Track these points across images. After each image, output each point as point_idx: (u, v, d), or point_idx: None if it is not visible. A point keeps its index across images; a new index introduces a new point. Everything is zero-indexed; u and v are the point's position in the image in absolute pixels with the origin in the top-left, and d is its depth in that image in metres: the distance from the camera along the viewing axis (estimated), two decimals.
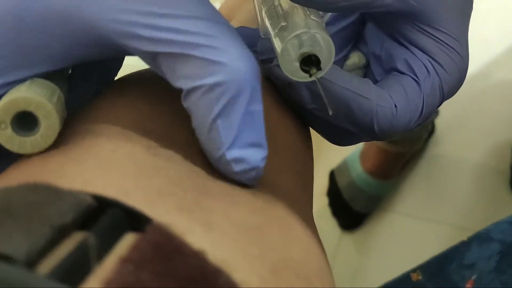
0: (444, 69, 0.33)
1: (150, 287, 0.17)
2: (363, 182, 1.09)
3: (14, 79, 0.25)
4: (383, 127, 0.33)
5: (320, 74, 0.30)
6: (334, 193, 1.12)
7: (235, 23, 0.44)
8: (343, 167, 1.12)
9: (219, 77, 0.24)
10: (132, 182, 0.23)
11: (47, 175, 0.23)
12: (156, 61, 0.25)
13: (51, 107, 0.24)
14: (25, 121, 0.25)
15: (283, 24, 0.31)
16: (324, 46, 0.30)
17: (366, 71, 0.38)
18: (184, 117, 0.27)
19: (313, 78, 0.30)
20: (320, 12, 0.33)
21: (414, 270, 0.58)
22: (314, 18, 0.31)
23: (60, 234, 0.19)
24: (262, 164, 0.26)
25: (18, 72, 0.25)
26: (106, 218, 0.20)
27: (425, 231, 1.08)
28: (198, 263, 0.19)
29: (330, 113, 0.30)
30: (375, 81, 0.36)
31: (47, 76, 0.26)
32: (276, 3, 0.32)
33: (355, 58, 0.37)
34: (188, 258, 0.19)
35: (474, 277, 0.50)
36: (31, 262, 0.17)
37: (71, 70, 0.30)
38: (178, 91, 0.27)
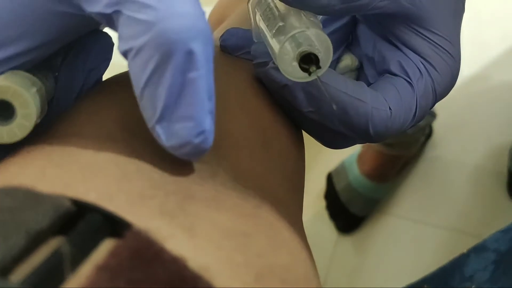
0: (437, 71, 0.33)
1: None
2: (360, 185, 1.08)
3: None
4: (378, 130, 0.33)
5: (319, 73, 0.30)
6: (331, 196, 1.12)
7: (228, 24, 0.44)
8: (341, 170, 1.11)
9: (145, 38, 0.22)
10: (115, 186, 0.22)
11: (27, 178, 0.23)
12: (109, 24, 0.23)
13: (27, 96, 0.24)
14: (2, 110, 0.24)
15: (280, 24, 0.30)
16: (322, 44, 0.30)
17: (358, 73, 0.38)
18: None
19: (312, 77, 0.30)
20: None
21: (422, 284, 0.58)
22: (311, 18, 0.31)
23: (35, 241, 0.18)
24: (197, 140, 0.23)
25: None
26: (85, 223, 0.20)
27: (422, 233, 1.08)
28: (177, 269, 0.19)
29: (334, 107, 0.30)
30: (368, 84, 0.35)
31: (31, 71, 0.26)
32: (272, 5, 0.32)
33: (348, 61, 0.37)
34: (167, 264, 0.19)
35: (473, 287, 0.50)
36: (4, 270, 0.17)
37: (57, 72, 0.30)
38: None
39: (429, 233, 1.07)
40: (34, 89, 0.25)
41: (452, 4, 0.33)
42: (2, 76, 0.25)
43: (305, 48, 0.29)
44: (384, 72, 0.35)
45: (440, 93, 0.34)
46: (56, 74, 0.29)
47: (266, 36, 0.32)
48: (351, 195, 1.09)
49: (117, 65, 0.33)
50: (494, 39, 1.19)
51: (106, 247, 0.19)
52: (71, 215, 0.20)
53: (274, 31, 0.30)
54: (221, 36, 0.38)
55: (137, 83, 0.23)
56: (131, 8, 0.22)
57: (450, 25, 0.33)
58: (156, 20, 0.21)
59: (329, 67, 0.36)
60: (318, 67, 0.29)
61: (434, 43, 0.33)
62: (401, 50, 0.34)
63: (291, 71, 0.30)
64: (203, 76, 0.23)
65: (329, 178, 1.13)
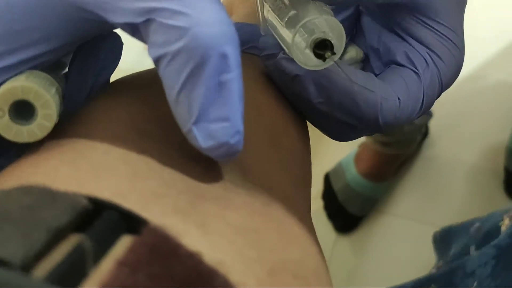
0: (442, 61, 0.34)
1: None
2: (358, 184, 1.09)
3: (8, 63, 0.25)
4: (388, 120, 0.33)
5: (335, 58, 0.29)
6: (329, 196, 1.12)
7: (235, 19, 0.44)
8: (338, 169, 1.12)
9: (180, 44, 0.22)
10: (127, 184, 0.23)
11: (42, 178, 0.23)
12: (134, 33, 0.24)
13: (49, 97, 0.24)
14: (22, 110, 0.25)
15: (292, 12, 0.30)
16: (335, 31, 0.30)
17: (364, 65, 0.38)
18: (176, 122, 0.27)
19: (327, 63, 0.30)
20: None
21: (429, 284, 0.58)
22: (323, 7, 0.31)
23: (56, 237, 0.19)
24: (233, 140, 0.24)
25: (12, 56, 0.25)
26: (102, 220, 0.20)
27: (420, 232, 1.08)
28: (194, 264, 0.19)
29: (350, 86, 0.31)
30: (374, 75, 0.36)
31: (45, 70, 0.26)
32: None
33: (353, 53, 0.37)
34: (184, 259, 0.19)
35: (475, 284, 0.51)
36: (27, 266, 0.17)
37: (67, 68, 0.30)
38: None
39: (427, 232, 1.08)
40: (53, 90, 0.25)
41: None
42: (23, 76, 0.25)
43: (318, 35, 0.29)
44: (390, 63, 0.35)
45: (446, 83, 0.35)
46: (66, 72, 0.30)
47: (276, 28, 0.32)
48: (348, 195, 1.10)
49: (122, 70, 0.34)
50: (490, 38, 1.20)
51: (124, 243, 0.20)
52: (88, 212, 0.20)
53: (286, 19, 0.30)
54: None
55: (172, 87, 0.23)
56: (164, 15, 0.22)
57: (454, 15, 0.34)
58: (190, 26, 0.22)
59: None
60: (333, 53, 0.29)
61: (439, 33, 0.33)
62: (406, 41, 0.34)
63: (305, 59, 0.30)
64: (236, 78, 0.23)
65: (327, 178, 1.13)
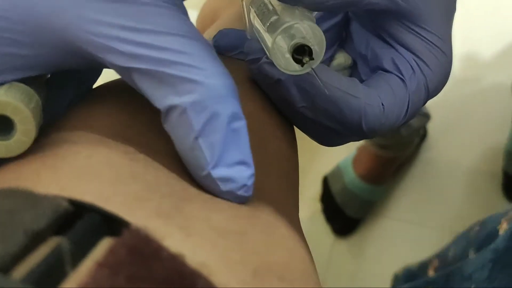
0: (429, 67, 0.34)
1: None
2: (356, 187, 1.08)
3: None
4: (372, 125, 0.33)
5: (313, 64, 0.30)
6: (327, 198, 1.12)
7: (220, 24, 0.44)
8: (336, 172, 1.12)
9: (196, 95, 0.24)
10: (110, 188, 0.23)
11: (22, 183, 0.23)
12: (132, 77, 0.25)
13: (28, 112, 0.24)
14: (1, 124, 0.24)
15: (274, 18, 0.30)
16: (315, 37, 0.30)
17: (352, 71, 0.38)
18: (161, 127, 0.27)
19: (305, 69, 0.30)
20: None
21: (426, 284, 0.58)
22: (305, 13, 0.31)
23: (35, 240, 0.18)
24: (249, 182, 0.26)
25: None
26: (83, 223, 0.20)
27: (418, 235, 1.08)
28: (176, 266, 0.19)
29: (327, 92, 0.31)
30: (362, 81, 0.36)
31: (26, 81, 0.26)
32: (267, 1, 0.32)
33: (341, 59, 0.37)
34: (165, 261, 0.19)
35: (472, 286, 0.51)
36: (5, 268, 0.17)
37: (49, 77, 0.30)
38: None
39: (425, 235, 1.08)
40: (33, 104, 0.25)
41: (443, 2, 0.34)
42: (2, 89, 0.25)
43: (298, 40, 0.29)
44: (377, 69, 0.35)
45: (433, 90, 0.35)
46: (48, 79, 0.30)
47: (259, 31, 0.32)
48: (347, 198, 1.09)
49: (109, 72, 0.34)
50: (486, 40, 1.20)
51: (105, 245, 0.19)
52: (69, 215, 0.20)
53: (268, 24, 0.31)
54: (214, 37, 0.38)
55: (187, 134, 0.25)
56: (176, 69, 0.24)
57: (442, 23, 0.34)
58: (205, 80, 0.24)
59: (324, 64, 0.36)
60: (311, 59, 0.29)
61: (426, 40, 0.33)
62: (394, 47, 0.34)
63: (285, 64, 0.30)
64: (245, 125, 0.26)
65: (325, 181, 1.13)
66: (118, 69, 0.25)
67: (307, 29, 0.30)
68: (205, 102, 0.24)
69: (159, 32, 0.24)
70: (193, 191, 0.25)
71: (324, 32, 0.36)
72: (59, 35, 0.25)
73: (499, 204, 1.07)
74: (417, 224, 1.09)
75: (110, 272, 0.17)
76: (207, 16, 0.56)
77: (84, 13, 0.24)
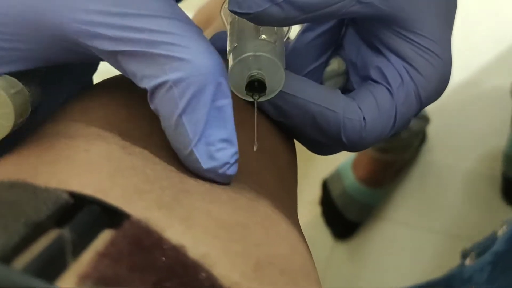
0: (421, 75, 0.32)
1: (128, 280, 0.17)
2: (356, 190, 1.08)
3: None
4: (352, 139, 0.33)
5: (264, 98, 0.31)
6: (326, 202, 1.12)
7: (213, 30, 0.45)
8: (336, 176, 1.12)
9: (181, 73, 0.24)
10: (109, 181, 0.23)
11: (21, 177, 0.23)
12: (120, 61, 0.25)
13: (5, 97, 0.25)
14: None
15: (235, 45, 0.31)
16: (271, 69, 0.30)
17: (347, 78, 0.37)
18: (158, 120, 0.27)
19: (255, 99, 0.31)
20: (276, 29, 0.33)
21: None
22: (266, 38, 0.31)
23: (35, 231, 0.18)
24: (232, 160, 0.26)
25: None
26: (83, 214, 0.20)
27: (418, 239, 1.08)
28: (178, 256, 0.19)
29: (255, 149, 0.30)
30: (353, 89, 0.35)
31: (14, 75, 0.26)
32: (235, 20, 0.33)
33: (335, 65, 0.37)
34: (167, 251, 0.19)
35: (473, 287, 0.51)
36: (6, 258, 0.17)
37: (45, 75, 0.30)
38: None
39: (424, 238, 1.08)
40: (13, 90, 0.25)
41: (439, 2, 0.32)
42: None
43: (254, 72, 0.30)
44: (366, 78, 0.34)
45: (426, 98, 0.33)
46: (42, 78, 0.30)
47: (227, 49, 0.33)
48: (346, 201, 1.09)
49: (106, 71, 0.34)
50: (486, 44, 1.20)
51: (105, 236, 0.19)
52: (70, 207, 0.20)
53: (230, 48, 0.31)
54: (209, 40, 0.38)
55: (171, 112, 0.25)
56: (163, 48, 0.25)
57: (436, 25, 0.32)
58: (191, 58, 0.25)
59: (317, 71, 0.36)
60: (263, 92, 0.30)
61: (418, 45, 0.32)
62: (384, 54, 0.33)
63: (240, 91, 0.31)
64: (230, 104, 0.26)
65: (324, 185, 1.13)
66: (105, 54, 0.25)
67: (263, 60, 0.31)
68: (190, 79, 0.25)
69: (144, 15, 0.25)
70: (192, 183, 0.25)
71: (319, 36, 0.36)
72: (45, 26, 0.25)
73: (498, 207, 1.07)
74: (417, 227, 1.09)
75: (111, 262, 0.17)
76: (200, 22, 0.56)
77: (68, 1, 0.24)
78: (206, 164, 0.26)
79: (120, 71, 0.26)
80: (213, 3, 0.58)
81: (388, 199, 1.12)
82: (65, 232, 0.19)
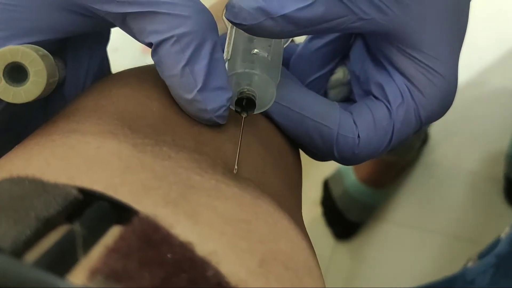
0: (422, 94, 0.32)
1: (137, 275, 0.17)
2: (357, 191, 1.08)
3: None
4: (344, 155, 0.33)
5: (255, 111, 0.32)
6: (328, 202, 1.12)
7: (218, 30, 0.45)
8: (337, 176, 1.12)
9: (185, 28, 0.27)
10: (118, 178, 0.23)
11: (32, 172, 0.23)
12: (126, 22, 0.28)
13: (35, 55, 0.27)
14: (17, 75, 0.27)
15: (229, 56, 0.32)
16: (262, 85, 0.31)
17: (351, 88, 0.37)
18: (169, 116, 0.28)
19: (243, 116, 0.31)
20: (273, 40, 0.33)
21: None
22: (259, 51, 0.32)
23: (46, 226, 0.19)
24: (228, 103, 0.30)
25: (8, 43, 0.28)
26: (92, 210, 0.20)
27: (419, 240, 1.08)
28: (186, 253, 0.19)
29: (235, 171, 0.31)
30: (354, 101, 0.35)
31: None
32: (233, 30, 0.33)
33: (340, 74, 0.37)
34: (175, 248, 0.19)
35: None
36: (18, 251, 0.17)
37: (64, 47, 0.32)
38: (163, 91, 0.30)
39: (426, 239, 1.08)
40: (41, 52, 0.28)
41: (445, 19, 0.31)
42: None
43: (243, 88, 0.31)
44: (368, 93, 0.34)
45: (426, 117, 0.33)
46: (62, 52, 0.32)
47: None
48: (347, 202, 1.09)
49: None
50: (489, 44, 1.20)
51: (115, 231, 0.20)
52: (79, 203, 0.21)
53: (226, 58, 0.32)
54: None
55: (177, 63, 0.28)
56: (166, 7, 0.27)
57: (441, 42, 0.32)
58: (191, 15, 0.27)
59: (322, 79, 0.36)
60: (251, 111, 0.31)
61: (419, 63, 0.31)
62: (387, 70, 0.33)
63: (231, 104, 0.31)
64: (222, 56, 0.29)
65: (326, 185, 1.13)
66: (113, 16, 0.28)
67: (256, 78, 0.31)
68: (193, 33, 0.28)
69: None
70: (199, 179, 0.25)
71: (326, 44, 0.35)
72: None
73: (501, 208, 1.07)
74: (418, 228, 1.09)
75: (120, 257, 0.18)
76: None
77: None
78: (209, 105, 0.29)
79: (126, 31, 0.29)
80: (218, 5, 0.58)
81: (390, 200, 1.12)
82: (76, 227, 0.19)
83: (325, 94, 0.37)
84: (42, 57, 0.27)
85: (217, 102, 0.29)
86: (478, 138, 1.13)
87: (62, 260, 0.18)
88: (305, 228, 0.31)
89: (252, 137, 0.32)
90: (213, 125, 0.31)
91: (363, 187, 1.08)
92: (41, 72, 0.27)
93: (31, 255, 0.18)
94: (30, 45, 0.28)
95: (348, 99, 0.37)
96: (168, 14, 0.27)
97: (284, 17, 0.29)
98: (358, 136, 0.33)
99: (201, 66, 0.28)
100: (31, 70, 0.27)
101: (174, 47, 0.28)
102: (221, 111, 0.29)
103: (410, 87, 0.32)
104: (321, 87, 0.37)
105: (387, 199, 1.12)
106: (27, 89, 0.27)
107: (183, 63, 0.28)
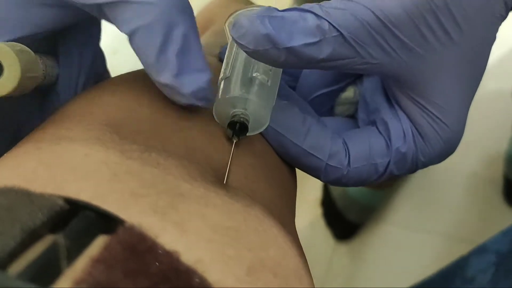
0: (425, 142, 0.32)
1: (122, 286, 0.17)
2: (357, 192, 1.08)
3: None
4: (331, 181, 0.33)
5: (250, 133, 0.31)
6: (327, 203, 1.12)
7: (212, 33, 0.45)
8: None
9: (152, 15, 0.27)
10: (106, 186, 0.23)
11: (19, 180, 0.23)
12: (104, 12, 0.28)
13: (8, 49, 0.27)
14: None
15: (227, 75, 0.32)
16: (257, 111, 0.31)
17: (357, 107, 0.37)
18: (159, 122, 0.28)
19: (233, 140, 0.31)
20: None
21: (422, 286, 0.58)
22: (259, 75, 0.32)
23: (31, 237, 0.19)
24: (207, 86, 0.29)
25: None
26: (78, 220, 0.20)
27: (418, 241, 1.08)
28: (171, 262, 0.19)
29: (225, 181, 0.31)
30: (357, 125, 0.35)
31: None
32: (235, 49, 0.33)
33: (350, 93, 0.36)
34: (161, 257, 0.19)
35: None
36: (2, 263, 0.17)
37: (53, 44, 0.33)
38: (154, 95, 0.29)
39: (425, 240, 1.08)
40: (17, 48, 0.28)
41: (460, 72, 0.31)
42: None
43: (238, 111, 0.31)
44: (372, 122, 0.34)
45: (424, 163, 0.33)
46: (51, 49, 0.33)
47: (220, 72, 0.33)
48: (347, 203, 1.09)
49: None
50: None
51: (99, 242, 0.20)
52: (65, 213, 0.20)
53: (223, 76, 0.32)
54: (221, 49, 0.38)
55: (150, 51, 0.28)
56: None
57: (452, 94, 0.31)
58: (156, 1, 0.27)
59: (331, 95, 0.36)
60: (242, 136, 0.31)
61: (426, 111, 0.31)
62: (395, 108, 0.33)
63: (223, 123, 0.32)
64: (198, 38, 0.29)
65: (325, 185, 1.13)
66: (89, 7, 0.28)
67: (252, 104, 0.31)
68: (161, 20, 0.28)
69: None
70: (188, 187, 0.25)
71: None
72: None
73: (500, 209, 1.07)
74: (417, 229, 1.09)
75: (105, 268, 0.18)
76: (200, 25, 0.56)
77: None
78: (187, 89, 0.29)
79: (109, 22, 0.29)
80: (212, 6, 0.58)
81: (389, 201, 1.12)
82: (60, 238, 0.19)
83: (331, 109, 0.37)
84: (18, 52, 0.27)
85: (194, 85, 0.29)
86: (477, 139, 1.13)
87: (46, 271, 0.18)
88: (297, 237, 0.31)
89: (244, 146, 0.32)
90: (198, 109, 0.31)
91: (363, 188, 1.08)
92: (15, 65, 0.27)
93: (15, 267, 0.18)
94: (10, 42, 0.28)
95: (353, 116, 0.37)
96: (136, 2, 0.27)
97: (290, 49, 0.27)
98: (348, 165, 0.32)
99: (173, 51, 0.28)
100: (5, 64, 0.27)
101: (144, 36, 0.28)
102: (201, 94, 0.29)
103: (414, 133, 0.32)
104: (326, 103, 0.36)
105: (387, 200, 1.12)
106: (1, 83, 0.27)
107: (155, 51, 0.28)
